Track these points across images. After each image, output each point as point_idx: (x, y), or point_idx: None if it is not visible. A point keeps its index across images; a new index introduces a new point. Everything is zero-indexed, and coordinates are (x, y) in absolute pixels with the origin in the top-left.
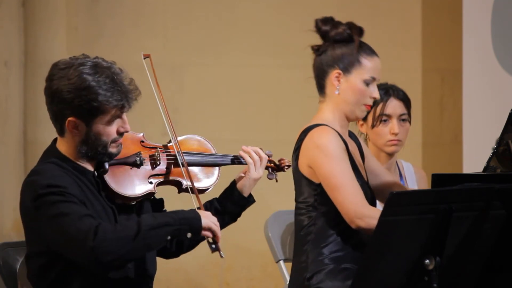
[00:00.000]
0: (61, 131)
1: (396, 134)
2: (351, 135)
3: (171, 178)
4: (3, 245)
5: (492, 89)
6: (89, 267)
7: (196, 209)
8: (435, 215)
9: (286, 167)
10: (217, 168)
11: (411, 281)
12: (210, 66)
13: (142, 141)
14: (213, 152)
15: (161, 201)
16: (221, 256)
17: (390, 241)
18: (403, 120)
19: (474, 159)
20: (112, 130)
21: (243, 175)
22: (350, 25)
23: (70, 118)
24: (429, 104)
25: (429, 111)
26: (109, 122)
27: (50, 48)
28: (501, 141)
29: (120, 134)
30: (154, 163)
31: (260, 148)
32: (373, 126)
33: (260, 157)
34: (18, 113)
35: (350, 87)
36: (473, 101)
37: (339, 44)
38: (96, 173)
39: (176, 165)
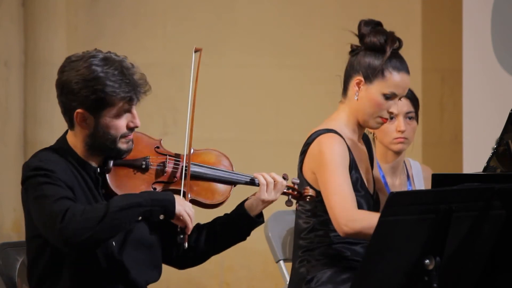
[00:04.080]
0: (70, 124)
1: (402, 132)
2: (365, 138)
3: (174, 188)
4: (3, 245)
5: (492, 89)
6: (60, 247)
7: (172, 193)
8: (435, 215)
9: (308, 197)
10: (229, 186)
11: (411, 281)
12: (210, 66)
13: (157, 147)
14: (230, 169)
15: None
16: (184, 248)
17: (390, 241)
18: (410, 118)
19: (474, 159)
20: (121, 123)
21: (253, 196)
22: (388, 36)
23: (78, 110)
24: (429, 104)
25: (429, 111)
26: (118, 116)
27: (50, 48)
28: (501, 141)
29: (130, 129)
30: (161, 170)
31: (284, 176)
32: None
33: (275, 180)
34: (18, 113)
35: (368, 97)
36: (473, 101)
37: (370, 51)
38: (98, 170)
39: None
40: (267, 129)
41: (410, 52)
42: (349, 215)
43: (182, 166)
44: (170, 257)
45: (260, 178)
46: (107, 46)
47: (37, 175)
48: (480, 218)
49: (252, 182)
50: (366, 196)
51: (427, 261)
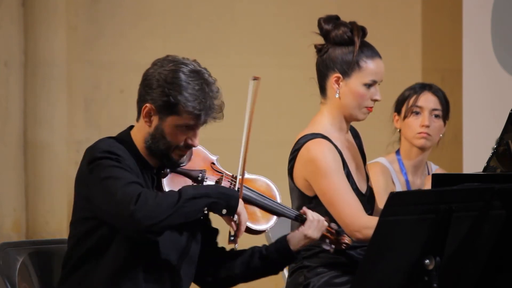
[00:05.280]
0: (138, 115)
1: (426, 127)
2: (353, 132)
3: None
4: (3, 245)
5: (492, 89)
6: (127, 231)
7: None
8: (435, 215)
9: (344, 244)
10: (274, 217)
11: (411, 281)
12: (210, 66)
13: (213, 163)
14: (278, 200)
15: (215, 231)
16: (235, 249)
17: (390, 241)
18: (436, 116)
19: (474, 159)
20: (179, 136)
21: (297, 231)
22: (352, 26)
23: (147, 104)
24: None
25: None
26: (180, 127)
27: (50, 48)
28: (501, 141)
29: (186, 145)
30: None
31: (325, 220)
32: (405, 117)
33: (319, 220)
34: (18, 113)
35: (350, 91)
36: (473, 101)
37: (339, 46)
38: (155, 171)
39: None
40: (267, 129)
41: (410, 52)
42: (361, 222)
43: (237, 188)
44: (202, 276)
45: (309, 214)
46: (107, 46)
47: (108, 158)
48: (480, 218)
49: (299, 218)
50: (357, 196)
51: (427, 261)
